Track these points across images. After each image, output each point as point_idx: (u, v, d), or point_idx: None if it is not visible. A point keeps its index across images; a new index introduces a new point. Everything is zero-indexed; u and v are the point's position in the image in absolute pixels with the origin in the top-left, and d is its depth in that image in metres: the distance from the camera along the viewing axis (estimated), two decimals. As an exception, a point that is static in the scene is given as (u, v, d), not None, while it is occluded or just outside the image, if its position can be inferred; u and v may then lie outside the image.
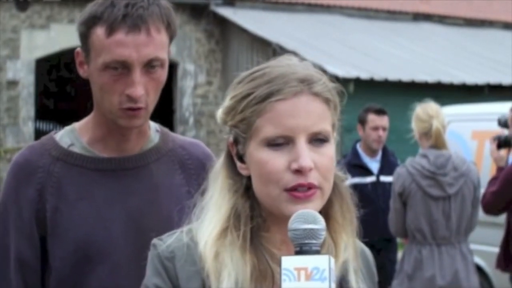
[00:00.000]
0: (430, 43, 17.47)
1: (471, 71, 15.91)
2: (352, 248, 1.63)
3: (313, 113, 1.55)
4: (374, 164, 6.63)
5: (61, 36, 15.33)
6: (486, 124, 7.26)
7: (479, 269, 6.73)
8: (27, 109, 15.62)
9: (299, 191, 1.53)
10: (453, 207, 5.40)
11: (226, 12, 16.53)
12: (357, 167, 6.48)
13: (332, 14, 18.04)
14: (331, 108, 1.60)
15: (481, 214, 5.62)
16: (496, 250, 5.93)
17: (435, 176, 5.36)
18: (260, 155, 1.56)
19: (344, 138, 11.58)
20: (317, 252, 1.42)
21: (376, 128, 6.52)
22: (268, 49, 15.06)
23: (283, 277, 1.39)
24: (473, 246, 5.72)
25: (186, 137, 2.39)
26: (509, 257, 5.69)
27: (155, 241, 1.62)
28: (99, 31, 2.05)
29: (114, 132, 2.15)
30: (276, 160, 1.54)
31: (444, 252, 5.40)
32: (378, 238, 6.14)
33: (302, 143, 1.54)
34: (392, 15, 18.75)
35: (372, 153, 6.63)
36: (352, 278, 1.62)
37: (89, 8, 2.09)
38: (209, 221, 1.60)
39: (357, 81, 14.10)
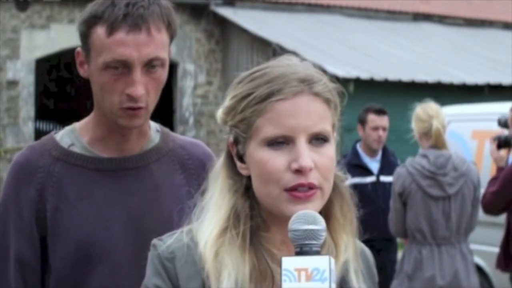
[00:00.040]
0: (430, 43, 17.47)
1: (471, 71, 15.91)
2: (352, 248, 1.63)
3: (313, 113, 1.55)
4: (374, 164, 6.63)
5: (61, 36, 15.33)
6: (486, 124, 7.27)
7: (479, 269, 6.74)
8: (27, 109, 15.63)
9: (299, 191, 1.53)
10: (453, 207, 5.40)
11: (226, 12, 16.53)
12: (357, 167, 6.49)
13: (332, 14, 18.04)
14: (332, 108, 1.60)
15: (481, 214, 5.62)
16: (496, 250, 5.93)
17: (435, 176, 5.36)
18: (260, 155, 1.56)
19: (344, 138, 11.58)
20: (318, 253, 1.42)
21: (376, 128, 6.52)
22: (268, 49, 15.06)
23: (283, 277, 1.39)
24: (473, 246, 5.72)
25: (186, 137, 2.39)
26: (509, 257, 5.69)
27: (155, 241, 1.62)
28: (100, 31, 2.05)
29: (114, 132, 2.15)
30: (276, 160, 1.54)
31: (444, 252, 5.40)
32: (378, 238, 6.14)
33: (302, 143, 1.54)
34: (392, 15, 18.76)
35: (372, 153, 6.63)
36: (353, 279, 1.63)
37: (90, 8, 2.09)
38: (209, 221, 1.60)
39: (357, 81, 14.10)
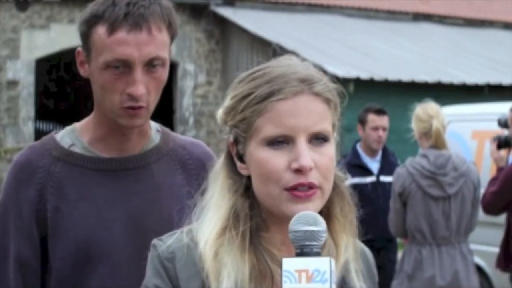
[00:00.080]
0: (430, 43, 17.48)
1: (471, 71, 15.92)
2: (352, 248, 1.63)
3: (313, 113, 1.56)
4: (374, 164, 6.63)
5: (61, 36, 15.34)
6: (486, 124, 7.27)
7: (479, 269, 6.74)
8: (27, 109, 15.63)
9: (300, 190, 1.54)
10: (453, 207, 5.40)
11: (226, 12, 16.54)
12: (357, 167, 6.49)
13: (332, 14, 18.05)
14: (332, 108, 1.60)
15: (481, 214, 5.62)
16: (496, 250, 5.93)
17: (435, 176, 5.36)
18: (260, 154, 1.56)
19: (344, 138, 11.58)
20: (318, 254, 1.43)
21: (376, 128, 6.52)
22: (268, 49, 15.06)
23: (284, 279, 1.39)
24: (473, 246, 5.72)
25: (186, 137, 2.39)
26: (509, 257, 5.69)
27: (155, 241, 1.62)
28: (101, 30, 2.05)
29: (115, 132, 2.15)
30: (276, 160, 1.54)
31: (444, 252, 5.40)
32: (378, 238, 6.14)
33: (302, 143, 1.54)
34: (392, 15, 18.76)
35: (372, 153, 6.63)
36: (353, 279, 1.63)
37: (90, 8, 2.09)
38: (209, 221, 1.60)
39: (357, 81, 14.11)
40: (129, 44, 2.03)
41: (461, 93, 14.48)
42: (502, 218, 5.82)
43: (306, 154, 1.53)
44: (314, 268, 1.39)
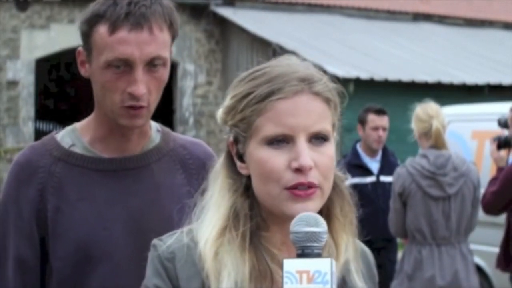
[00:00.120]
0: (430, 43, 17.48)
1: (471, 71, 15.92)
2: (352, 248, 1.64)
3: (313, 112, 1.56)
4: (374, 164, 6.63)
5: (61, 36, 15.34)
6: (486, 124, 7.27)
7: (479, 269, 6.74)
8: (27, 109, 15.63)
9: (299, 189, 1.54)
10: (453, 207, 5.40)
11: (226, 12, 16.54)
12: (357, 167, 6.49)
13: (332, 14, 18.04)
14: (332, 107, 1.60)
15: (481, 214, 5.62)
16: (496, 250, 5.93)
17: (435, 176, 5.36)
18: (260, 154, 1.56)
19: (344, 138, 11.58)
20: (319, 255, 1.43)
21: (376, 128, 6.53)
22: (268, 49, 15.07)
23: (285, 279, 1.40)
24: (473, 246, 5.73)
25: (187, 136, 2.38)
26: (509, 257, 5.69)
27: (155, 241, 1.62)
28: (102, 29, 2.05)
29: (115, 132, 2.15)
30: (276, 159, 1.55)
31: (444, 252, 5.40)
32: (378, 238, 6.15)
33: (302, 142, 1.54)
34: (392, 15, 18.76)
35: (372, 153, 6.63)
36: (353, 279, 1.63)
37: (92, 7, 2.09)
38: (208, 220, 1.60)
39: (357, 81, 14.11)
40: (130, 43, 2.03)
41: (461, 93, 14.48)
42: (502, 218, 5.82)
43: (306, 154, 1.53)
44: (315, 269, 1.39)
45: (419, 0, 19.27)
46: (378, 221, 6.09)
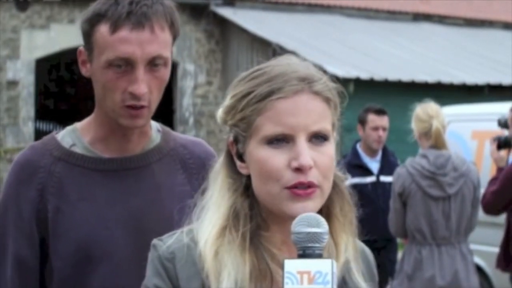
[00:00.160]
0: (430, 43, 17.48)
1: (471, 71, 15.92)
2: (352, 248, 1.64)
3: (313, 112, 1.56)
4: (374, 164, 6.63)
5: (61, 36, 15.34)
6: (486, 124, 7.27)
7: (479, 269, 6.74)
8: (27, 109, 15.63)
9: (299, 189, 1.54)
10: (453, 207, 5.40)
11: (226, 12, 16.54)
12: (357, 167, 6.49)
13: (332, 14, 18.04)
14: (331, 107, 1.60)
15: (481, 214, 5.62)
16: (496, 250, 5.93)
17: (435, 176, 5.36)
18: (260, 153, 1.56)
19: (344, 138, 11.58)
20: (320, 256, 1.43)
21: (376, 128, 6.53)
22: (268, 49, 15.06)
23: (285, 280, 1.40)
24: (473, 246, 5.73)
25: (187, 135, 2.38)
26: (509, 257, 5.69)
27: (155, 241, 1.62)
28: (103, 29, 2.05)
29: (116, 132, 2.15)
30: (276, 158, 1.55)
31: (444, 252, 5.40)
32: (378, 238, 6.15)
33: (302, 142, 1.54)
34: (392, 15, 18.76)
35: (372, 153, 6.64)
36: (353, 278, 1.63)
37: (93, 7, 2.09)
38: (208, 220, 1.60)
39: (357, 81, 14.11)
40: (132, 42, 2.03)
41: (461, 93, 14.48)
42: (502, 218, 5.82)
43: (306, 153, 1.53)
44: (316, 270, 1.39)
45: (419, 0, 19.27)
46: (378, 221, 6.09)
